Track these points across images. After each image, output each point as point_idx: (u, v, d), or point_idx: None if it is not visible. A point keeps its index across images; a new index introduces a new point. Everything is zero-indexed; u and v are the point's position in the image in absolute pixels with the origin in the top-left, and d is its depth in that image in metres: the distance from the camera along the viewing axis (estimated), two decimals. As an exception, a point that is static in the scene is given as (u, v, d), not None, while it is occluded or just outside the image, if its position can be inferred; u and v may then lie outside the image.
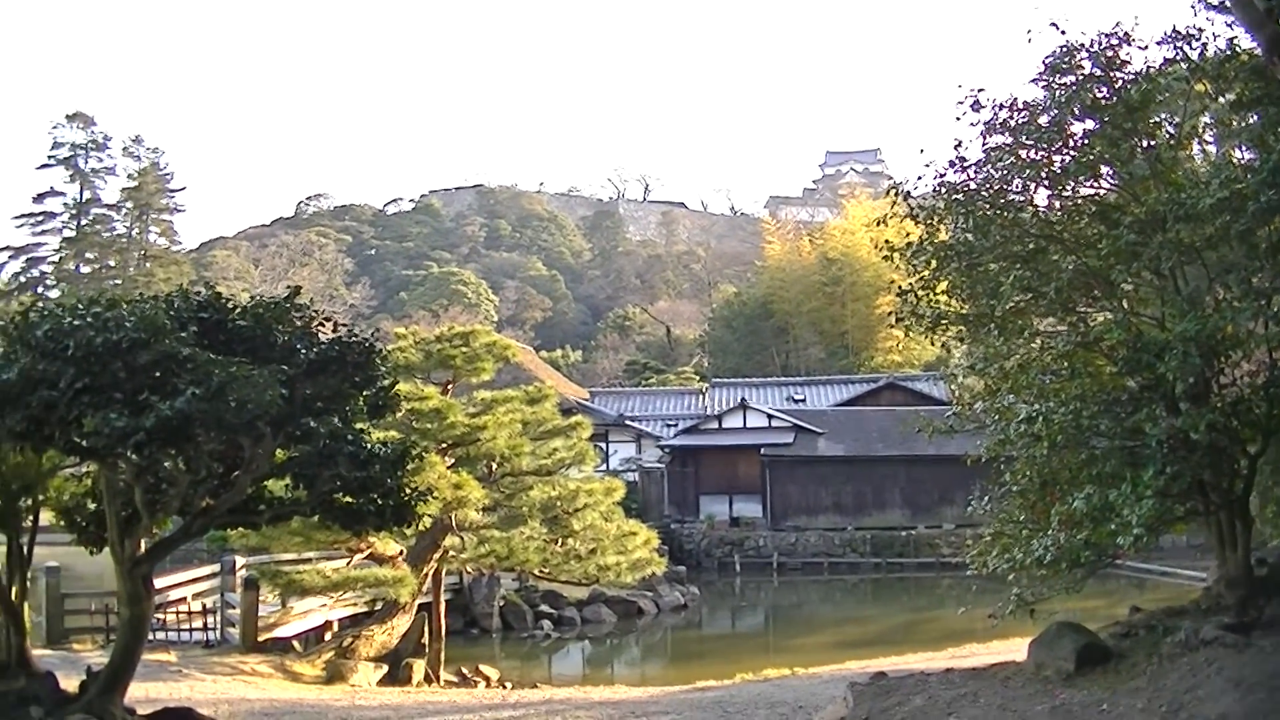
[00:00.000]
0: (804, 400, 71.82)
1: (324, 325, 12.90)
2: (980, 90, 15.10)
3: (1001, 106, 14.94)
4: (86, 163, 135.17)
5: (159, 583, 19.57)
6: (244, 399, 10.99)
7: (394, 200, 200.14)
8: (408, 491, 13.39)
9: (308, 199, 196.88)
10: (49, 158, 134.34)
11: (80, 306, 11.93)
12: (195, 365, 11.15)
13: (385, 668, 26.23)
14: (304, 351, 12.23)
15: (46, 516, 15.73)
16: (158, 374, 11.19)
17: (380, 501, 13.24)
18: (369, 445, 12.92)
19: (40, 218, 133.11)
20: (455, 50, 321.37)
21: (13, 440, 12.16)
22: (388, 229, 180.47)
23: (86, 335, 11.25)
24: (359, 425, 13.22)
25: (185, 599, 27.79)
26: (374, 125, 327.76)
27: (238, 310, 12.52)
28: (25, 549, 15.24)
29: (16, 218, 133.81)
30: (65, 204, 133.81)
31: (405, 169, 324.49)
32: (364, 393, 13.04)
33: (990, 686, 14.19)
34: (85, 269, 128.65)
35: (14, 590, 14.85)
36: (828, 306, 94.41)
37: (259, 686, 22.09)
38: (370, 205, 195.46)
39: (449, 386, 28.76)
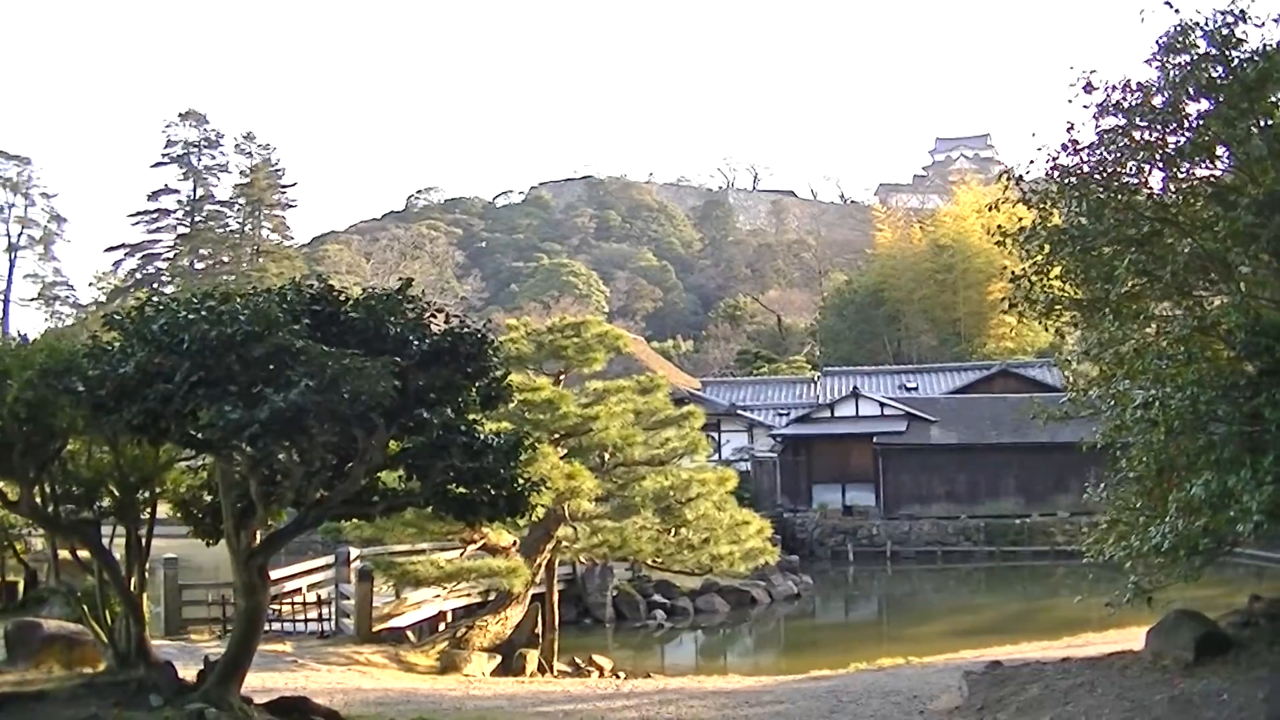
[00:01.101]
0: (916, 388, 71.23)
1: (436, 317, 12.86)
2: (1092, 72, 14.86)
3: (1114, 88, 14.69)
4: (199, 160, 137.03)
5: (274, 574, 19.73)
6: (357, 390, 10.98)
7: (504, 193, 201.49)
8: (521, 482, 13.29)
9: (418, 192, 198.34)
10: (163, 156, 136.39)
11: (195, 300, 12.00)
12: (309, 357, 11.15)
13: (499, 658, 26.32)
14: (416, 343, 12.19)
15: (164, 509, 15.88)
16: (271, 366, 11.21)
17: (494, 492, 13.16)
18: (482, 436, 12.86)
19: (155, 215, 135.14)
20: (565, 41, 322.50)
21: (130, 433, 12.28)
22: (498, 221, 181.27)
23: (201, 329, 11.30)
24: (472, 416, 13.17)
25: (300, 590, 28.08)
26: (483, 118, 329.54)
27: (350, 303, 12.51)
28: (143, 541, 15.38)
29: (132, 215, 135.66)
30: (179, 201, 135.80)
31: (515, 161, 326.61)
32: (476, 384, 12.98)
33: (1107, 676, 13.98)
34: (199, 265, 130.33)
35: (133, 581, 14.98)
36: (939, 294, 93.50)
37: (373, 676, 22.23)
38: (480, 198, 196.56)
39: (561, 377, 28.82)
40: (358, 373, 11.03)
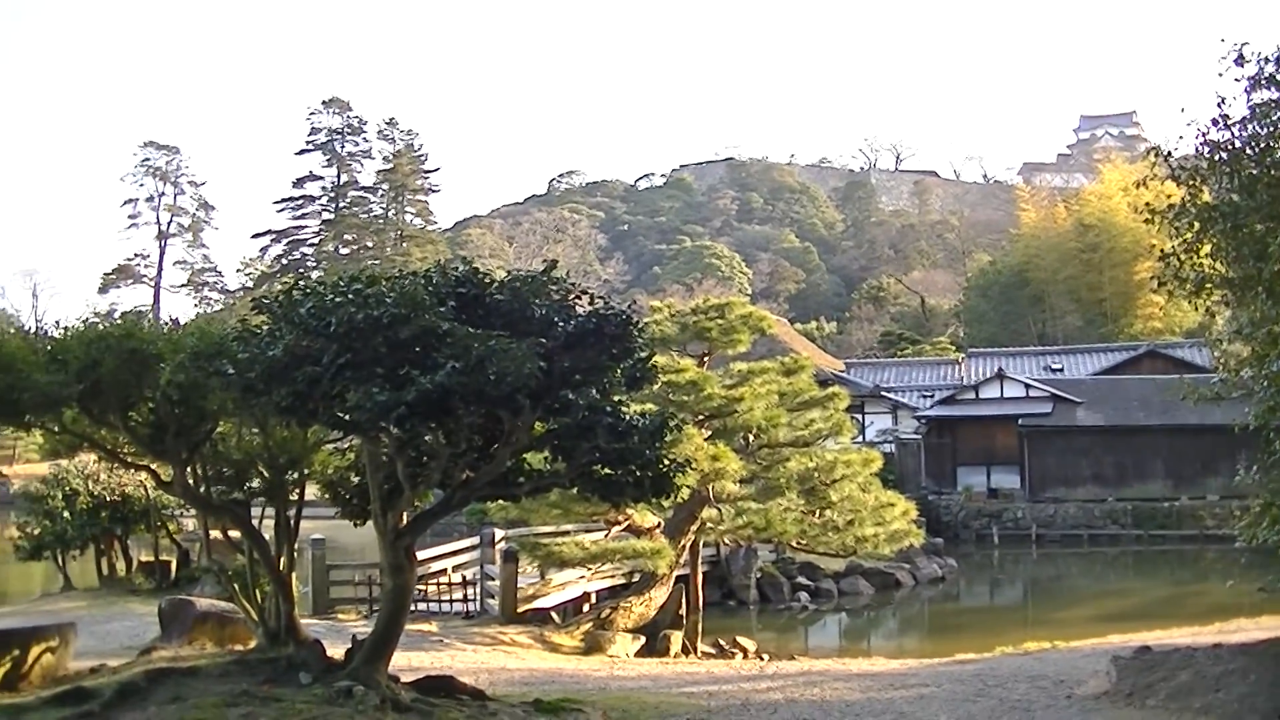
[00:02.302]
0: (1061, 369, 70.36)
1: (581, 298, 12.84)
2: (1244, 44, 14.48)
3: (1268, 60, 14.31)
4: (343, 147, 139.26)
5: (421, 555, 19.88)
6: (503, 372, 10.98)
7: (645, 175, 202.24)
8: (666, 463, 13.25)
9: (560, 176, 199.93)
10: (307, 143, 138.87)
11: (342, 284, 12.08)
12: (455, 339, 11.18)
13: (643, 639, 26.35)
14: (562, 324, 12.16)
15: (311, 490, 16.06)
16: (418, 349, 11.27)
17: (639, 473, 13.12)
18: (628, 417, 12.84)
19: (300, 202, 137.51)
20: (707, 21, 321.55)
21: (279, 415, 12.41)
22: (640, 204, 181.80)
23: (348, 312, 11.37)
24: (617, 397, 13.15)
25: (446, 571, 28.32)
26: (626, 100, 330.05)
27: (495, 285, 12.51)
28: (292, 521, 15.58)
29: (278, 202, 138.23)
30: (324, 187, 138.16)
31: (657, 144, 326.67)
32: (622, 365, 12.94)
33: (1261, 663, 13.67)
34: (344, 250, 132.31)
35: (282, 561, 15.18)
36: (1084, 274, 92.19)
37: (518, 656, 22.34)
38: (622, 181, 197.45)
39: (705, 359, 28.71)
40: (503, 354, 11.03)
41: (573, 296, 12.77)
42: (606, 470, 13.20)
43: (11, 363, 13.59)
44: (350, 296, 11.61)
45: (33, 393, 13.61)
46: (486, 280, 12.58)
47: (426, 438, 12.82)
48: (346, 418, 11.80)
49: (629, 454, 12.90)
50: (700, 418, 26.20)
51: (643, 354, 13.22)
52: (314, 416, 12.15)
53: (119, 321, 14.93)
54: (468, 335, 11.21)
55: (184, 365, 12.54)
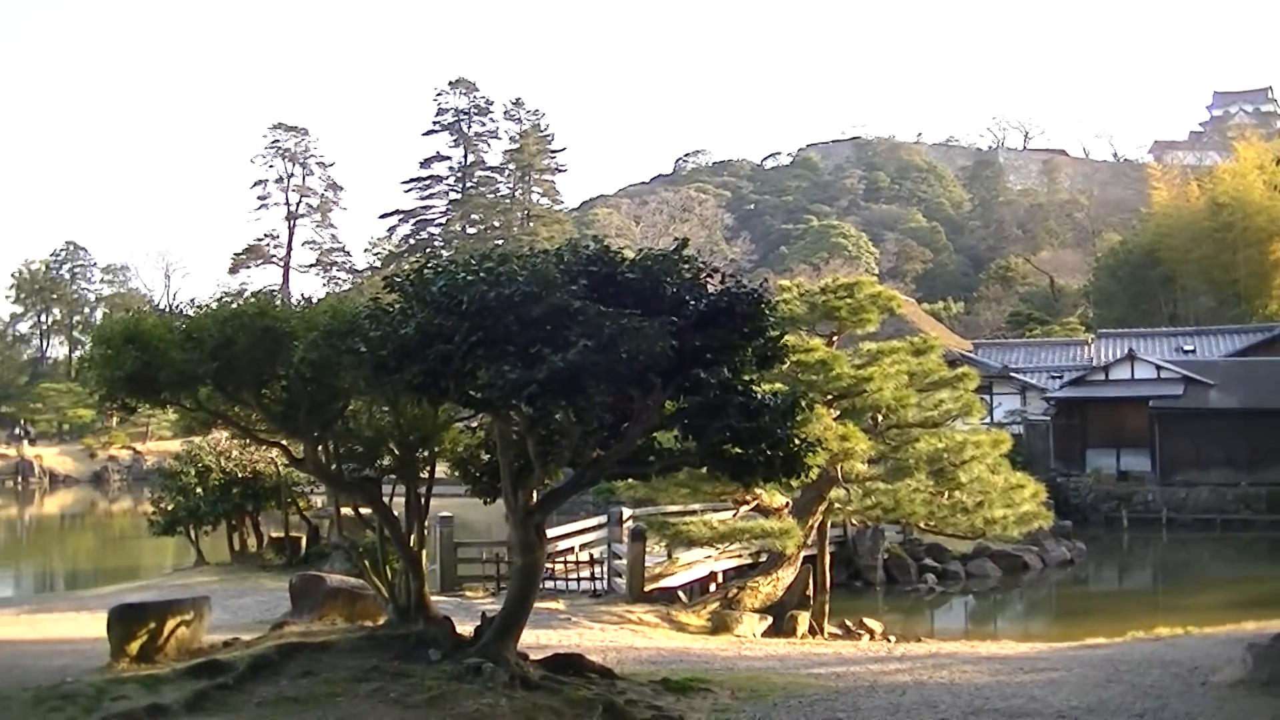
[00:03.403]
0: (1193, 351, 69.05)
1: (712, 277, 12.75)
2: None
3: None
4: (470, 127, 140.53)
5: (548, 534, 19.90)
6: (635, 350, 10.92)
7: (772, 155, 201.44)
8: (797, 442, 13.14)
9: (686, 155, 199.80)
10: (434, 124, 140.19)
11: (473, 262, 12.11)
12: (586, 318, 11.14)
13: (770, 619, 26.22)
14: (693, 303, 12.08)
15: (441, 468, 16.13)
16: (549, 327, 11.24)
17: (770, 452, 13.03)
18: (759, 396, 12.75)
19: (427, 182, 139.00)
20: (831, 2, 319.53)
21: (410, 392, 12.44)
22: (766, 183, 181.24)
23: (480, 290, 11.38)
24: (747, 376, 13.05)
25: (573, 549, 28.42)
26: (751, 79, 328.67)
27: (626, 263, 12.46)
28: (423, 498, 15.67)
29: (405, 182, 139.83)
30: (451, 168, 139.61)
31: (783, 123, 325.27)
32: (752, 343, 12.84)
33: None
34: (471, 230, 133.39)
35: (412, 538, 15.28)
36: (1217, 254, 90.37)
37: (645, 635, 22.32)
38: (748, 160, 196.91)
39: (834, 338, 28.51)
40: (635, 333, 10.98)
41: (704, 275, 12.69)
42: (737, 449, 13.13)
43: (149, 341, 13.80)
44: (482, 275, 11.64)
45: (169, 370, 13.82)
46: (618, 259, 12.53)
47: (557, 416, 12.82)
48: (478, 396, 11.78)
49: (760, 433, 12.82)
50: (829, 397, 26.04)
51: (774, 333, 13.12)
52: (445, 394, 12.19)
53: (252, 300, 15.09)
54: (599, 314, 11.17)
55: (317, 343, 12.65)
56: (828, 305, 28.41)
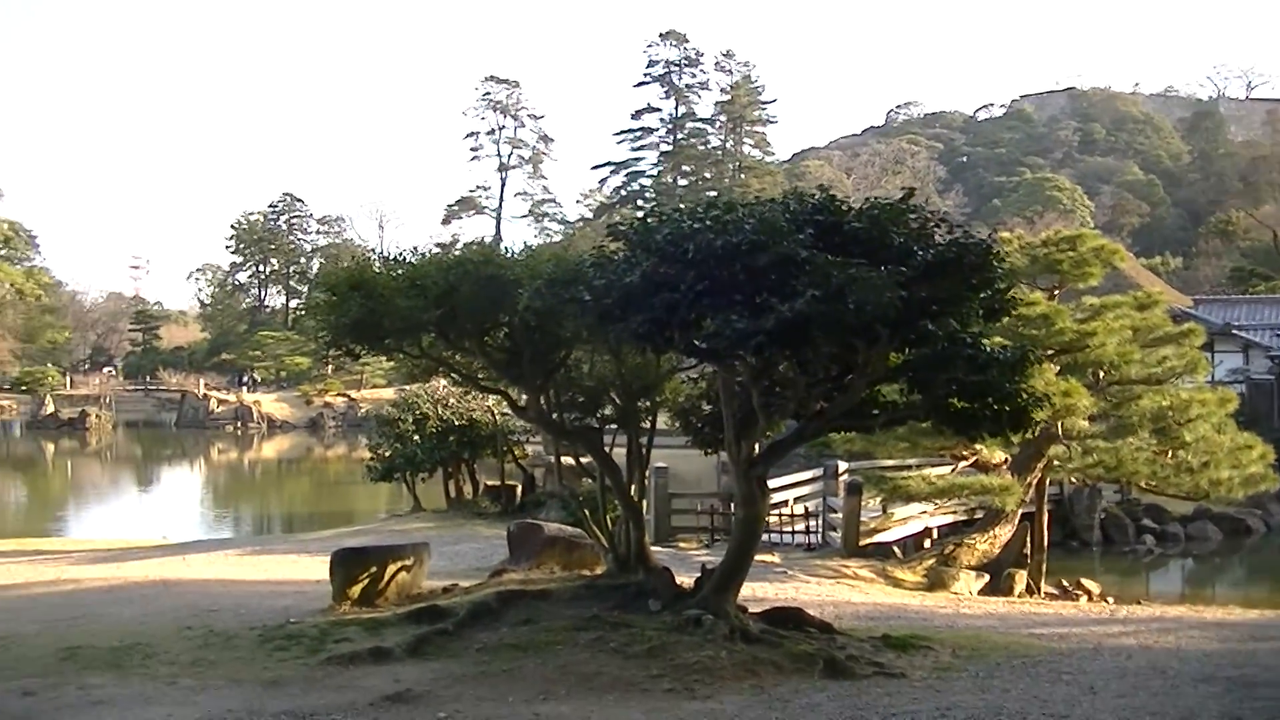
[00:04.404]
0: None
1: (940, 227, 12.47)
2: None
3: None
4: (680, 79, 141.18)
5: (766, 486, 19.83)
6: (863, 301, 10.74)
7: (984, 106, 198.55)
8: (1025, 397, 12.84)
9: (897, 107, 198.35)
10: (644, 76, 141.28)
11: (699, 210, 12.00)
12: (813, 267, 10.99)
13: (986, 577, 25.88)
14: (920, 253, 11.85)
15: (660, 418, 16.13)
16: (775, 276, 11.10)
17: (996, 407, 12.76)
18: (987, 349, 12.47)
19: (638, 134, 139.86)
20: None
21: (634, 341, 12.41)
22: (979, 135, 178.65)
23: (706, 238, 11.29)
24: (974, 329, 12.78)
25: (788, 502, 28.27)
26: (964, 30, 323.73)
27: (853, 212, 12.25)
28: (644, 449, 15.67)
29: (617, 134, 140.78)
30: (661, 119, 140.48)
31: (995, 74, 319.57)
32: (980, 295, 12.57)
33: None
34: (682, 181, 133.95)
35: (633, 488, 15.29)
36: None
37: (861, 590, 22.21)
38: (960, 112, 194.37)
39: (1055, 292, 27.89)
40: (863, 283, 10.80)
41: (931, 225, 12.43)
42: (963, 403, 12.87)
43: (374, 288, 13.98)
44: (708, 223, 11.53)
45: (393, 317, 14.00)
46: (844, 208, 12.34)
47: (780, 367, 12.70)
48: (703, 345, 11.72)
49: (987, 387, 12.55)
50: (1050, 352, 25.50)
51: (1001, 285, 12.83)
52: (670, 344, 12.15)
53: (476, 248, 15.21)
54: (827, 263, 11.01)
55: (541, 291, 12.66)
56: (1049, 258, 27.75)
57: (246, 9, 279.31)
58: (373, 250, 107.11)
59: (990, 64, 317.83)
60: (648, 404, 15.64)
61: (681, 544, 27.07)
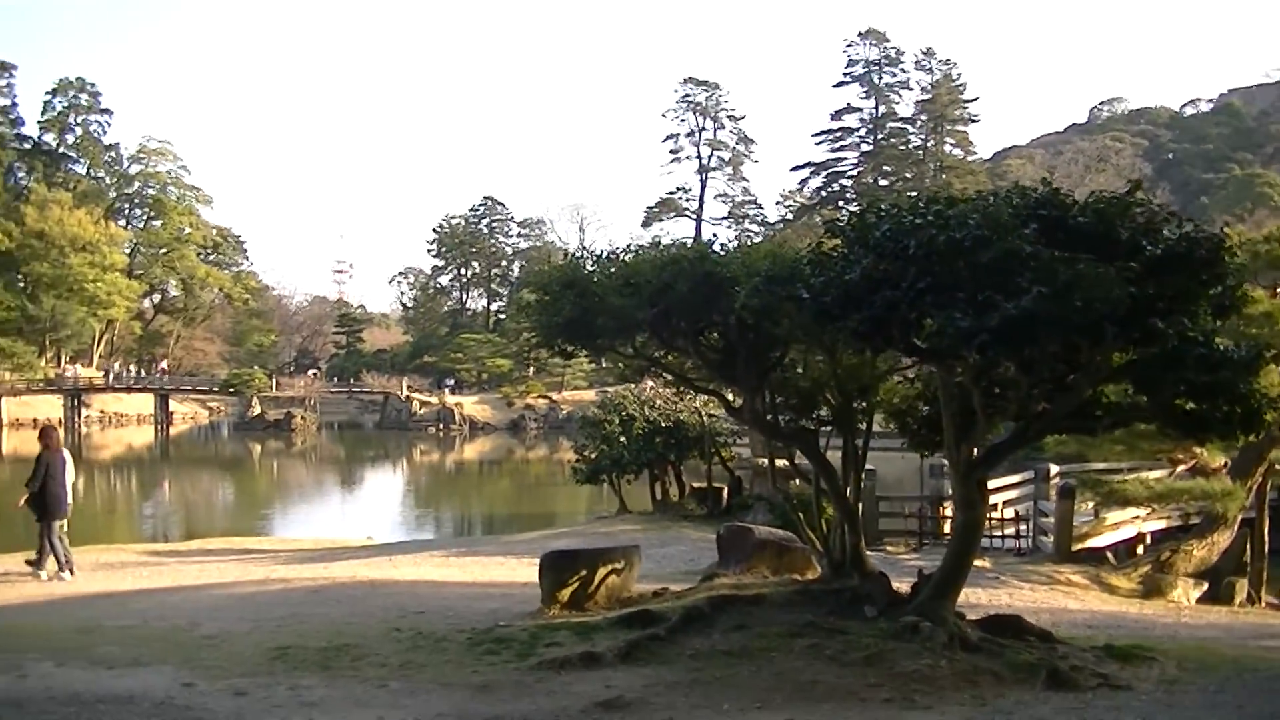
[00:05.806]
0: None
1: (1168, 221, 12.06)
2: None
3: None
4: (880, 78, 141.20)
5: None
6: (1090, 298, 10.44)
7: (1191, 101, 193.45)
8: (1257, 397, 12.37)
9: (1101, 103, 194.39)
10: (844, 75, 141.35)
11: (920, 206, 11.79)
12: (1039, 263, 10.70)
13: (1204, 585, 25.12)
14: (1149, 248, 11.50)
15: (875, 420, 15.90)
16: (999, 273, 10.82)
17: (1227, 408, 12.32)
18: (1220, 348, 12.04)
19: (838, 134, 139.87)
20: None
21: (853, 340, 12.22)
22: (1185, 131, 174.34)
23: (928, 234, 11.07)
24: (1205, 326, 12.35)
25: (997, 506, 27.77)
26: (1172, 23, 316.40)
27: (1078, 207, 11.92)
28: (859, 451, 15.43)
29: (816, 134, 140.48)
30: (861, 119, 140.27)
31: (1202, 67, 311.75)
32: (1209, 292, 12.14)
33: None
34: (883, 181, 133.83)
35: (849, 491, 15.07)
36: None
37: (1076, 597, 21.73)
38: (1166, 107, 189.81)
39: (1277, 290, 27.02)
40: (1091, 279, 10.52)
41: (1159, 219, 12.04)
42: (1192, 404, 12.46)
43: (587, 286, 13.96)
44: (930, 218, 11.30)
45: (607, 315, 13.96)
46: (1068, 202, 12.01)
47: (1000, 367, 12.42)
48: (923, 344, 11.50)
49: (1218, 387, 12.15)
50: (1273, 352, 24.70)
51: (1232, 281, 12.40)
52: (889, 342, 11.96)
53: (691, 245, 15.13)
54: (1053, 259, 10.74)
55: (758, 289, 12.52)
56: (1270, 254, 26.91)
57: (452, 14, 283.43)
58: (580, 250, 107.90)
59: (1197, 58, 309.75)
60: (864, 405, 15.42)
61: (889, 547, 26.72)
